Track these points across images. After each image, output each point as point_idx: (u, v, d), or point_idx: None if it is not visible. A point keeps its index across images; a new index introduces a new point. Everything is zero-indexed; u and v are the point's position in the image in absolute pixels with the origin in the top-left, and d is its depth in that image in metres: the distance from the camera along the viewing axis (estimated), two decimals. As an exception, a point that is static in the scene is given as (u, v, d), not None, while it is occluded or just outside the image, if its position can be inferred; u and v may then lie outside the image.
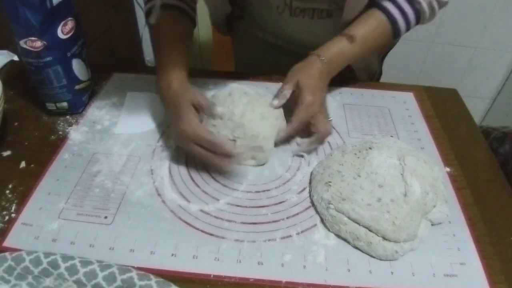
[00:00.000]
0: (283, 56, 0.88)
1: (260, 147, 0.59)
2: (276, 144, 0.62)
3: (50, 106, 0.69)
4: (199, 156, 0.57)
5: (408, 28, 0.70)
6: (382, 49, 0.88)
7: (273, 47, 0.88)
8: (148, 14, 0.70)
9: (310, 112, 0.61)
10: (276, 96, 0.63)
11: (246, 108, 0.59)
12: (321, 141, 0.64)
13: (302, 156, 0.63)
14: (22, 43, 0.61)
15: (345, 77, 0.73)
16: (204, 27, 1.90)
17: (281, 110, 0.63)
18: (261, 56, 0.91)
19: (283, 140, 0.64)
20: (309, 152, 0.64)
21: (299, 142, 0.63)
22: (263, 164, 0.62)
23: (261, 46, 0.89)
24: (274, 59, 0.88)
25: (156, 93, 0.65)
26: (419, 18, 0.69)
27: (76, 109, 0.71)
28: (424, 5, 0.68)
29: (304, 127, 0.62)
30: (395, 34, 0.69)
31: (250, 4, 0.83)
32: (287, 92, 0.62)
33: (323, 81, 0.65)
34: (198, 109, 0.59)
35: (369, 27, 0.68)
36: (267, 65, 0.90)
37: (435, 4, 0.68)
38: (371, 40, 0.69)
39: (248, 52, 0.95)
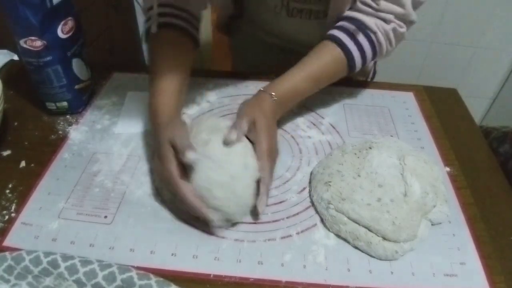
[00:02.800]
0: (281, 55, 0.88)
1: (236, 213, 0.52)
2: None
3: (50, 105, 0.69)
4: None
5: (364, 61, 0.67)
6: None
7: (271, 47, 0.87)
8: (147, 33, 0.67)
9: (274, 159, 0.55)
10: (234, 127, 0.54)
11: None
12: (266, 187, 0.53)
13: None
14: (22, 42, 0.61)
15: (343, 78, 0.72)
16: (204, 27, 1.90)
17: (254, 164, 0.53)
18: (259, 55, 0.91)
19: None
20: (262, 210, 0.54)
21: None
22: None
23: (259, 46, 0.89)
24: (272, 58, 0.88)
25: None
26: (375, 49, 0.66)
27: (76, 108, 0.71)
28: (380, 36, 0.64)
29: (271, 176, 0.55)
30: (350, 67, 0.66)
31: (248, 4, 0.83)
32: (245, 126, 0.54)
33: (274, 120, 0.60)
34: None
35: (323, 61, 0.65)
36: (265, 65, 0.90)
37: (392, 36, 0.65)
38: (325, 75, 0.66)
39: (246, 52, 0.95)
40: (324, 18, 0.74)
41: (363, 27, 0.64)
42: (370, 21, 0.64)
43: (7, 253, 0.46)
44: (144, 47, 2.01)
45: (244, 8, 0.85)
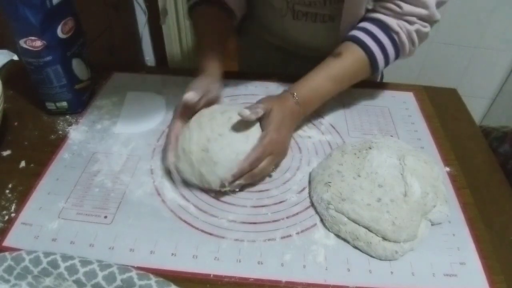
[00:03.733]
0: (286, 57, 0.88)
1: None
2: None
3: (50, 105, 0.69)
4: None
5: (387, 61, 0.67)
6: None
7: (277, 49, 0.88)
8: (190, 9, 0.76)
9: (269, 150, 0.55)
10: (249, 108, 0.56)
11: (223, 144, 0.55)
12: (252, 177, 0.55)
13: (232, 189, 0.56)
14: (22, 42, 0.61)
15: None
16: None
17: None
18: (265, 57, 0.92)
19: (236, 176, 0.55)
20: (235, 187, 0.56)
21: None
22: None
23: (265, 47, 0.90)
24: (278, 60, 0.89)
25: None
26: (398, 49, 0.66)
27: (76, 108, 0.71)
28: (403, 36, 0.64)
29: (256, 163, 0.55)
30: (373, 67, 0.66)
31: (255, 6, 0.84)
32: (260, 111, 0.56)
33: (292, 120, 0.61)
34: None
35: (345, 62, 0.65)
36: (271, 66, 0.90)
37: (415, 36, 0.65)
38: (347, 76, 0.66)
39: (253, 52, 0.96)
40: (329, 21, 0.75)
41: (385, 27, 0.64)
42: (392, 21, 0.64)
43: (7, 253, 0.46)
44: (144, 47, 2.01)
45: (251, 9, 0.85)
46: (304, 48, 0.84)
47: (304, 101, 0.62)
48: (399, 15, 0.64)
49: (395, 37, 0.64)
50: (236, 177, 0.54)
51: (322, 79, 0.64)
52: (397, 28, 0.64)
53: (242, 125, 0.57)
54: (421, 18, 0.64)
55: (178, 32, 1.85)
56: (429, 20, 0.65)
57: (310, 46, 0.82)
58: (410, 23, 0.64)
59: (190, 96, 0.56)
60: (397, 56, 0.67)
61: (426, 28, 0.65)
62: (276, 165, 0.61)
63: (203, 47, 0.69)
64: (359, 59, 0.65)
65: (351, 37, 0.66)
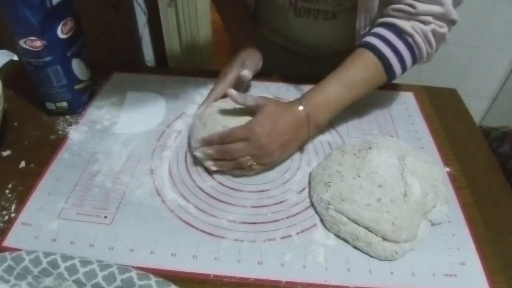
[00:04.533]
0: (287, 57, 0.88)
1: None
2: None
3: (50, 106, 0.69)
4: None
5: (404, 66, 0.64)
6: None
7: (278, 48, 0.88)
8: None
9: (243, 134, 0.56)
10: (239, 94, 0.59)
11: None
12: (220, 152, 0.57)
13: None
14: (22, 42, 0.61)
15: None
16: (204, 27, 1.90)
17: None
18: (267, 55, 0.91)
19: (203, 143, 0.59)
20: (206, 160, 0.59)
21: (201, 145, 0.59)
22: None
23: (266, 46, 0.89)
24: (279, 59, 0.89)
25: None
26: (414, 53, 0.63)
27: (76, 108, 0.71)
28: (418, 38, 0.61)
29: (227, 140, 0.57)
30: (389, 73, 0.63)
31: (258, 3, 0.84)
32: (250, 100, 0.59)
33: (292, 127, 0.58)
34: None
35: (356, 68, 0.63)
36: (273, 64, 0.90)
37: (431, 37, 0.62)
38: (360, 82, 0.63)
39: None
40: (332, 19, 0.75)
41: (398, 31, 0.62)
42: (405, 24, 0.61)
43: (7, 254, 0.46)
44: (144, 47, 2.01)
45: (255, 8, 0.86)
46: (306, 47, 0.83)
47: (315, 109, 0.60)
48: (413, 16, 0.61)
49: (410, 40, 0.62)
50: (204, 142, 0.58)
51: (333, 86, 0.61)
52: (411, 31, 0.61)
53: (243, 112, 0.61)
54: (437, 17, 0.62)
55: (178, 32, 1.85)
56: (446, 19, 0.62)
57: (311, 44, 0.82)
58: (425, 23, 0.61)
59: (246, 73, 0.66)
60: (414, 60, 0.64)
61: (443, 29, 0.62)
62: (262, 165, 0.59)
63: (232, 25, 0.78)
64: (372, 65, 0.63)
65: (363, 43, 0.64)
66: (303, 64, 0.88)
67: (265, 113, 0.57)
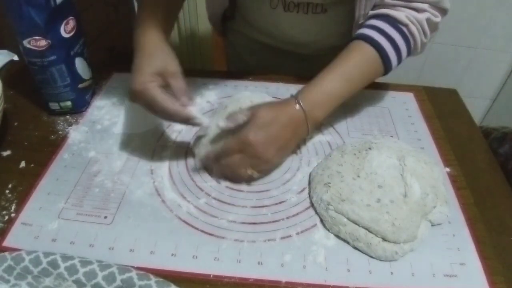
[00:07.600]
0: (274, 56, 0.87)
1: None
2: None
3: (54, 106, 0.69)
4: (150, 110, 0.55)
5: (399, 57, 0.63)
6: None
7: (265, 47, 0.86)
8: None
9: (237, 148, 0.54)
10: (231, 116, 0.56)
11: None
12: (220, 170, 0.58)
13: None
14: (25, 42, 0.60)
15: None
16: (204, 28, 1.90)
17: None
18: (252, 56, 0.90)
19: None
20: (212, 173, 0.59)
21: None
22: None
23: (252, 47, 0.88)
24: (266, 59, 0.87)
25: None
26: (409, 43, 0.62)
27: (80, 108, 0.71)
28: (413, 27, 0.61)
29: (222, 155, 0.56)
30: (386, 64, 0.62)
31: (242, 1, 0.81)
32: (241, 117, 0.55)
33: (288, 128, 0.57)
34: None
35: (353, 60, 0.61)
36: (260, 66, 0.89)
37: (426, 26, 0.61)
38: (358, 75, 0.61)
39: (239, 53, 0.94)
40: (322, 13, 0.73)
41: (392, 21, 0.61)
42: (400, 14, 0.61)
43: (7, 253, 0.46)
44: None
45: (237, 7, 0.83)
46: (294, 44, 0.81)
47: (313, 105, 0.58)
48: (407, 3, 0.61)
49: (405, 29, 0.61)
50: (202, 162, 0.59)
51: (330, 80, 0.59)
52: (406, 20, 0.61)
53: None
54: (432, 5, 0.62)
55: (178, 32, 1.85)
56: (439, 7, 0.63)
57: (300, 41, 0.80)
58: (419, 11, 0.61)
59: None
60: (409, 50, 0.64)
61: (437, 18, 0.63)
62: (263, 171, 0.58)
63: (145, 16, 0.60)
64: (369, 56, 0.61)
65: (358, 35, 0.63)
66: (291, 63, 0.87)
67: (257, 120, 0.54)
